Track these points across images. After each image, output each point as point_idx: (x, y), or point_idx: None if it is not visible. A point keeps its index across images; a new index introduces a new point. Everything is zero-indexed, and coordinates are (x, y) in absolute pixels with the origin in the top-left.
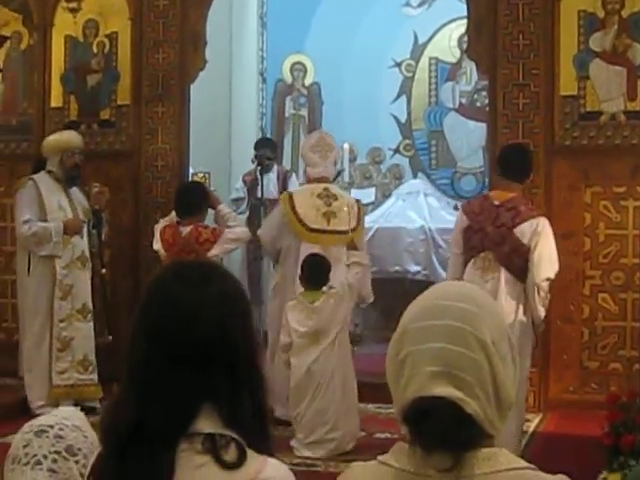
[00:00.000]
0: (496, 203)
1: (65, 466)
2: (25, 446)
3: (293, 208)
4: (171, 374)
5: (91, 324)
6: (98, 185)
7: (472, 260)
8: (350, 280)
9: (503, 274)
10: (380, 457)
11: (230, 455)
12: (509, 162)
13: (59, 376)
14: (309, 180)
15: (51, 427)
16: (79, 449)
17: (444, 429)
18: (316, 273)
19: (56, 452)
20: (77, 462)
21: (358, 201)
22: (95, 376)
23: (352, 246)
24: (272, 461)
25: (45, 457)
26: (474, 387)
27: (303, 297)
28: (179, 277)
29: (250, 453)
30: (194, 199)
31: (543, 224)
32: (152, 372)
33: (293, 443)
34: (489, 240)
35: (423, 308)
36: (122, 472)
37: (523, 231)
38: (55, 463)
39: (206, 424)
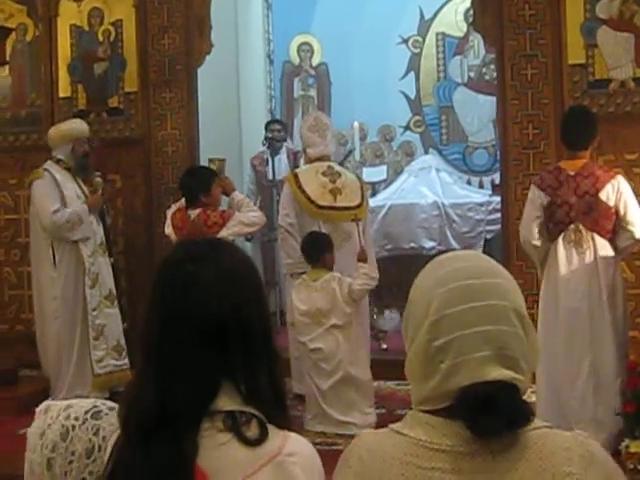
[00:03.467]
0: (572, 173)
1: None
2: (95, 434)
3: (300, 187)
4: (188, 353)
5: (118, 309)
6: (99, 174)
7: (562, 235)
8: (355, 287)
9: (598, 241)
10: (393, 425)
11: (252, 432)
12: (570, 131)
13: (98, 364)
14: (310, 160)
15: (96, 407)
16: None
17: (511, 413)
18: (312, 251)
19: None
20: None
21: (360, 178)
22: (127, 361)
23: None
24: (294, 435)
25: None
26: (520, 362)
27: (307, 276)
28: (189, 255)
29: (271, 429)
30: (195, 183)
31: (622, 183)
32: (168, 353)
33: (305, 421)
34: (575, 211)
35: (455, 290)
36: (145, 455)
37: (608, 194)
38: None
39: (226, 402)
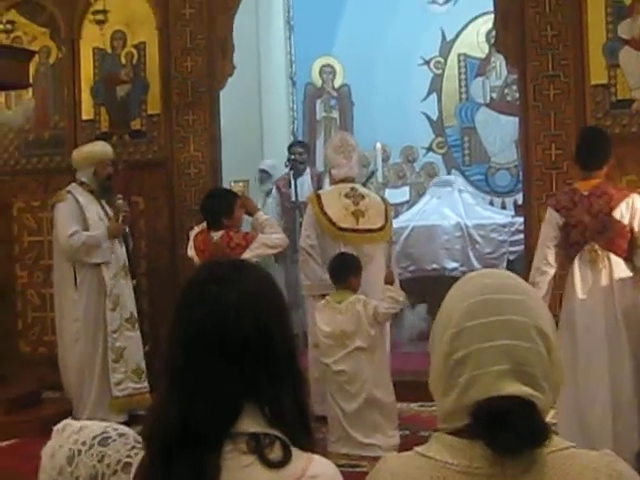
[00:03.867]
0: (585, 193)
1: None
2: (100, 460)
3: (322, 209)
4: (211, 375)
5: (139, 332)
6: (121, 197)
7: (578, 255)
8: (380, 310)
9: (613, 260)
10: (417, 448)
11: (275, 454)
12: (584, 151)
13: (116, 387)
14: (335, 181)
15: (106, 432)
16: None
17: (527, 430)
18: (339, 272)
19: (133, 447)
20: None
21: (385, 200)
22: (147, 384)
23: (385, 246)
24: (317, 458)
25: (129, 457)
26: (540, 380)
27: (332, 297)
28: (213, 277)
29: (295, 451)
30: (217, 205)
31: (637, 200)
32: (192, 374)
33: (329, 444)
34: (590, 231)
35: (477, 304)
36: (168, 476)
37: (622, 213)
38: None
39: (249, 424)
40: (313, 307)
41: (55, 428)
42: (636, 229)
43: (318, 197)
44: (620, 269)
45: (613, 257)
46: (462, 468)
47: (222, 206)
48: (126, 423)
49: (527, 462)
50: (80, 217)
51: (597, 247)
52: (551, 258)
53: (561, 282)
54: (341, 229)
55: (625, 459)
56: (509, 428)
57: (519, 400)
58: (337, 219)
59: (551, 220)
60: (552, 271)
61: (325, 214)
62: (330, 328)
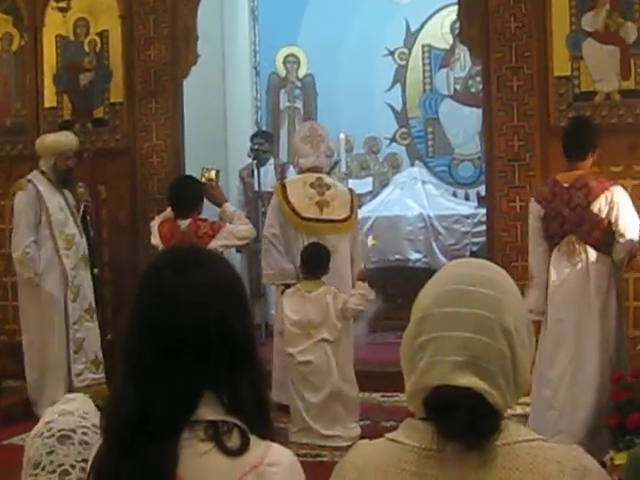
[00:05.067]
0: (566, 185)
1: None
2: (49, 453)
3: (286, 197)
4: (169, 363)
5: (97, 323)
6: (83, 185)
7: (556, 247)
8: (349, 305)
9: (590, 254)
10: (388, 435)
11: (233, 441)
12: (568, 141)
13: (77, 378)
14: (301, 171)
15: (74, 432)
16: None
17: (468, 421)
18: (314, 262)
19: (83, 460)
20: None
21: (352, 191)
22: (104, 374)
23: (349, 237)
24: (275, 446)
25: (73, 467)
26: (497, 376)
27: (302, 286)
28: (172, 264)
29: (253, 439)
30: (188, 194)
31: (617, 193)
32: (150, 362)
33: (290, 434)
34: (568, 223)
35: (446, 293)
36: (125, 465)
37: (600, 206)
38: (83, 472)
39: (208, 411)
40: (278, 296)
41: (66, 397)
42: (612, 222)
43: (283, 186)
44: (597, 262)
45: (590, 250)
46: (427, 452)
47: (192, 195)
48: None
49: (496, 452)
50: (39, 207)
51: (574, 239)
52: (540, 252)
53: None
54: (304, 218)
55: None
56: (454, 417)
57: (469, 392)
58: (300, 208)
59: (533, 212)
60: (543, 265)
61: (289, 203)
62: (298, 316)
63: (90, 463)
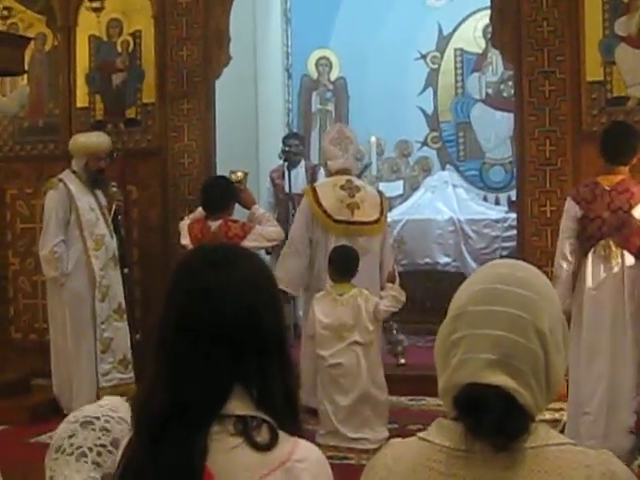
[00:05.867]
0: (607, 188)
1: (110, 459)
2: (70, 436)
3: (317, 200)
4: (201, 358)
5: (126, 323)
6: (115, 184)
7: (592, 249)
8: (381, 307)
9: (627, 258)
10: (420, 434)
11: (262, 437)
12: (610, 145)
13: (103, 378)
14: (330, 173)
15: (97, 419)
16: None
17: (497, 420)
18: (344, 264)
19: (102, 445)
20: None
21: (381, 193)
22: (133, 374)
23: (379, 239)
24: (303, 442)
25: (90, 450)
26: (529, 377)
27: (332, 289)
28: (206, 261)
29: (282, 435)
30: (221, 194)
31: None
32: (182, 356)
33: (317, 437)
34: (607, 226)
35: (482, 291)
36: (155, 456)
37: None
38: (100, 456)
39: (238, 406)
40: (309, 299)
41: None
42: None
43: (314, 189)
44: (633, 267)
45: (627, 255)
46: (457, 452)
47: (224, 196)
48: None
49: (523, 454)
50: (70, 206)
51: (612, 243)
52: (569, 252)
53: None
54: (336, 221)
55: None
56: (483, 416)
57: (499, 391)
58: (332, 211)
59: (569, 212)
60: (571, 266)
61: (320, 205)
62: (329, 319)
63: (121, 453)
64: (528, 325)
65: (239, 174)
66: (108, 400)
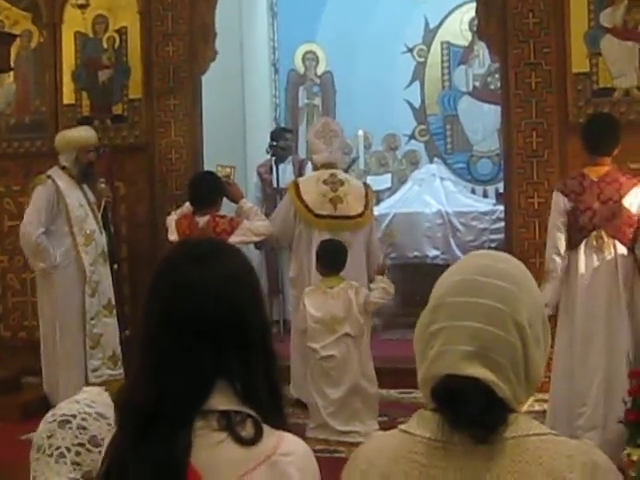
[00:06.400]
0: (595, 179)
1: (89, 458)
2: (49, 437)
3: (299, 195)
4: (184, 352)
5: (116, 319)
6: (103, 180)
7: (584, 241)
8: (371, 299)
9: (619, 248)
10: (401, 426)
11: (247, 431)
12: (593, 136)
13: (93, 374)
14: (316, 167)
15: (74, 417)
16: (102, 439)
17: (475, 412)
18: (333, 258)
19: (79, 444)
20: (100, 452)
21: (367, 185)
22: (122, 370)
23: (365, 233)
24: (289, 436)
25: (68, 450)
26: (507, 369)
27: (322, 283)
28: (188, 256)
29: (266, 429)
30: (208, 190)
31: None
32: (165, 351)
33: (308, 431)
34: (598, 217)
35: (461, 283)
36: (139, 452)
37: (631, 201)
38: (79, 456)
39: (221, 401)
40: (297, 294)
41: (83, 389)
42: None
43: (296, 184)
44: (625, 257)
45: (619, 245)
46: (438, 443)
47: (212, 191)
48: None
49: (504, 444)
50: (58, 202)
51: (603, 234)
52: (562, 246)
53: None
54: (318, 216)
55: (613, 446)
56: (461, 408)
57: (478, 383)
58: (314, 206)
59: (559, 204)
60: (564, 260)
61: (302, 200)
62: (321, 313)
63: (104, 450)
64: (507, 317)
65: (227, 169)
66: (87, 393)
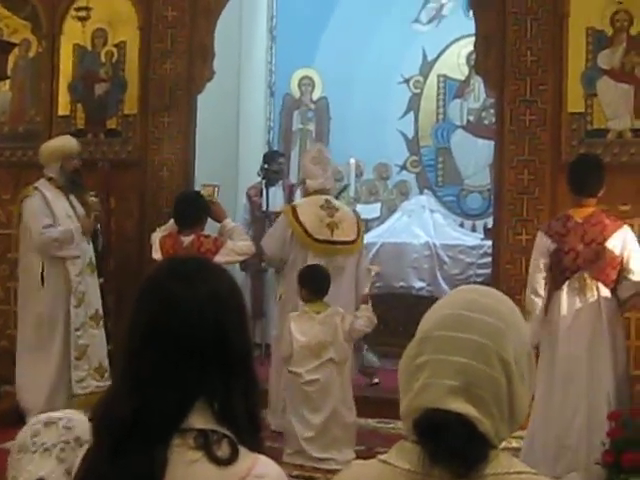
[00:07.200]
0: (579, 221)
1: (72, 455)
2: (34, 436)
3: (297, 219)
4: (165, 370)
5: (103, 330)
6: (93, 193)
7: (567, 282)
8: (356, 327)
9: (602, 290)
10: (380, 456)
11: (223, 451)
12: (579, 178)
13: (78, 384)
14: (308, 192)
15: (59, 419)
16: (86, 441)
17: (456, 446)
18: (317, 284)
19: (64, 442)
20: None
21: (356, 213)
22: (109, 382)
23: (355, 259)
24: (263, 458)
25: (54, 445)
26: (490, 405)
27: (309, 308)
28: (173, 274)
29: (242, 450)
30: (193, 209)
31: (629, 232)
32: (146, 367)
33: (284, 456)
34: (582, 258)
35: (448, 317)
36: (115, 463)
37: (614, 244)
38: (63, 452)
39: (199, 420)
40: (284, 319)
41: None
42: (625, 260)
43: (293, 208)
44: (608, 299)
45: (602, 287)
46: (418, 476)
47: (196, 211)
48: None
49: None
50: (48, 213)
51: (587, 275)
52: (540, 287)
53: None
54: (316, 240)
55: None
56: (442, 442)
57: (460, 418)
58: (312, 230)
59: (542, 245)
60: (543, 300)
61: (301, 224)
62: (306, 338)
63: (78, 463)
64: (492, 353)
65: (210, 189)
66: (68, 411)
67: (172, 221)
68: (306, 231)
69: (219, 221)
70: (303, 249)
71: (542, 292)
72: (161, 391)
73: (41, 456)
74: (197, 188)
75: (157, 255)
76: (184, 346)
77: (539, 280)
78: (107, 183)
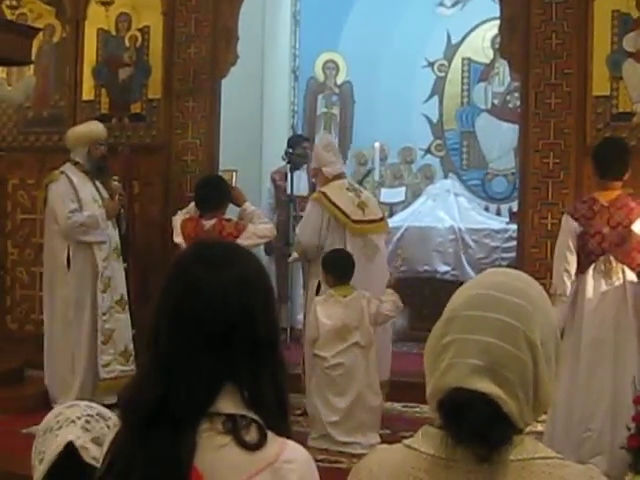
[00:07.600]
0: (605, 204)
1: (98, 425)
2: (57, 415)
3: (333, 203)
4: (194, 354)
5: (128, 315)
6: (116, 178)
7: (592, 265)
8: (383, 310)
9: (628, 273)
10: (405, 441)
11: (251, 436)
12: (605, 160)
13: (104, 369)
14: (327, 179)
15: (80, 403)
16: (109, 417)
17: (479, 426)
18: (344, 268)
19: (88, 415)
20: (108, 426)
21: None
22: (134, 366)
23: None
24: (291, 443)
25: (78, 418)
26: (515, 386)
27: (335, 291)
28: (199, 259)
29: (270, 435)
30: (216, 193)
31: None
32: (175, 352)
33: (309, 440)
34: (607, 242)
35: (476, 297)
36: (142, 450)
37: None
38: (88, 423)
39: (227, 405)
40: (310, 303)
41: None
42: None
43: (324, 194)
44: (634, 282)
45: (627, 270)
46: (442, 461)
47: (218, 195)
48: (114, 405)
49: (509, 467)
50: (74, 197)
51: (612, 259)
52: (572, 268)
53: None
54: (354, 221)
55: (619, 472)
56: (464, 421)
57: (484, 397)
58: (348, 211)
59: (569, 228)
60: (573, 283)
61: (338, 207)
62: (332, 321)
63: (107, 446)
64: (519, 334)
65: (227, 173)
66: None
67: (192, 204)
68: (344, 213)
69: (239, 205)
70: (339, 233)
71: (573, 272)
72: (187, 376)
73: (67, 426)
74: (221, 173)
75: (178, 239)
76: (209, 331)
77: (569, 259)
78: (128, 168)
